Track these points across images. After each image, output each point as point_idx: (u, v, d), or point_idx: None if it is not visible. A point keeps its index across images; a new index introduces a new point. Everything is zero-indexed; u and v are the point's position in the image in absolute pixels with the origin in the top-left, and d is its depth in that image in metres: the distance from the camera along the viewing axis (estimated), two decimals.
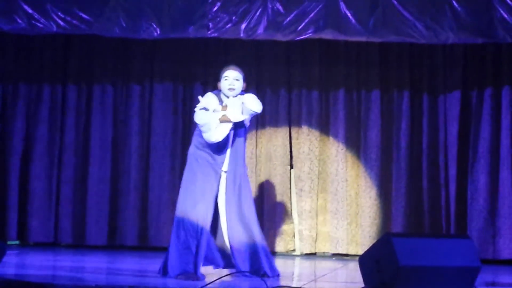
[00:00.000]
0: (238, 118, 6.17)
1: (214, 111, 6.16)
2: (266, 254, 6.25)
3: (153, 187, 9.21)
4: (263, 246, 6.24)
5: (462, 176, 8.84)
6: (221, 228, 6.27)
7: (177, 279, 5.97)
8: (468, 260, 5.25)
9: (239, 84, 6.31)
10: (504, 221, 8.69)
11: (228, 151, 6.25)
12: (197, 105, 6.22)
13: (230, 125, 6.15)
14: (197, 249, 6.05)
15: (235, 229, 6.19)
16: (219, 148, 6.21)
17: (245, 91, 6.42)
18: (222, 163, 6.23)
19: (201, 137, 6.23)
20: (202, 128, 6.17)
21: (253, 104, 6.25)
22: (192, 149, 6.30)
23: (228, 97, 6.29)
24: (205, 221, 6.11)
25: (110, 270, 7.15)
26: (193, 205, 6.10)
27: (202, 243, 6.06)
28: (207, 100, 6.21)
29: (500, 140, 8.80)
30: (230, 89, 6.27)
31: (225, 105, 6.21)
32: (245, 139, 6.40)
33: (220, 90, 6.35)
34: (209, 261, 6.32)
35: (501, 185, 8.74)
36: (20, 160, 9.28)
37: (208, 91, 8.97)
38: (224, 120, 6.12)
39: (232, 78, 6.29)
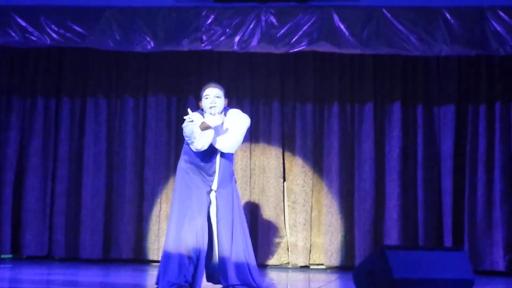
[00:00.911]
0: (215, 122, 6.09)
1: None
2: (253, 268, 6.22)
3: (148, 199, 9.19)
4: (250, 261, 6.21)
5: (458, 188, 8.83)
6: (215, 244, 6.25)
7: None
8: (462, 272, 5.25)
9: (221, 102, 6.25)
10: (500, 232, 8.68)
11: (217, 170, 6.22)
12: (186, 119, 6.20)
13: (212, 131, 6.09)
14: (197, 262, 6.03)
15: (225, 244, 6.15)
16: (208, 167, 6.19)
17: (228, 106, 6.40)
18: (212, 181, 6.21)
19: (189, 154, 6.22)
20: (188, 140, 6.16)
21: (237, 117, 6.24)
22: (182, 163, 6.28)
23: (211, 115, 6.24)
24: (203, 236, 6.09)
25: (105, 284, 7.12)
26: (190, 218, 6.08)
27: (202, 257, 6.05)
28: (194, 114, 6.17)
29: (494, 152, 8.80)
30: (211, 107, 6.21)
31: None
32: (232, 160, 6.36)
33: (202, 109, 6.30)
34: (209, 277, 6.30)
35: (496, 197, 8.73)
36: (14, 172, 9.26)
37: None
38: (204, 127, 6.08)
39: (212, 96, 6.23)
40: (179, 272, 6.00)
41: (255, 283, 6.16)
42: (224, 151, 6.21)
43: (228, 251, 6.13)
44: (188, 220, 6.09)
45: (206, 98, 6.23)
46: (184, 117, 6.24)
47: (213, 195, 6.21)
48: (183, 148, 6.34)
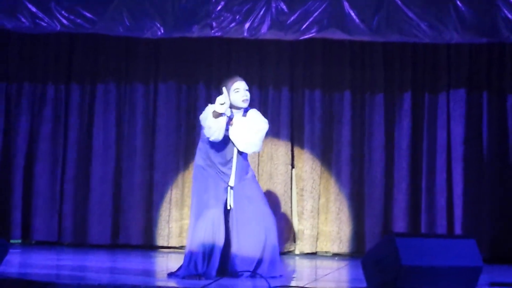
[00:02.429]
0: (223, 108, 5.94)
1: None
2: (270, 260, 6.17)
3: (157, 185, 9.22)
4: (268, 253, 6.15)
5: (467, 177, 8.83)
6: (232, 238, 6.18)
7: (183, 279, 5.96)
8: (471, 260, 5.24)
9: (248, 96, 6.24)
10: (507, 222, 8.68)
11: (233, 167, 6.19)
12: (208, 110, 6.13)
13: (224, 118, 6.03)
14: (210, 253, 6.01)
15: (240, 239, 6.10)
16: (224, 162, 6.17)
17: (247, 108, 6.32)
18: (229, 177, 6.18)
19: (205, 151, 6.19)
20: (207, 133, 6.10)
21: (257, 121, 6.21)
22: (199, 161, 6.24)
23: (240, 109, 6.21)
24: (219, 228, 6.07)
25: (113, 269, 7.15)
26: (207, 209, 6.06)
27: (216, 248, 6.02)
28: (218, 104, 6.03)
29: (507, 141, 8.78)
30: (244, 100, 6.18)
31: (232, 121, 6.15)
32: (246, 156, 6.32)
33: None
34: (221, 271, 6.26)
35: (508, 187, 8.73)
36: (24, 158, 9.30)
37: (211, 90, 9.09)
38: (216, 115, 5.99)
39: (243, 89, 6.19)
40: (197, 260, 5.99)
41: (267, 272, 6.10)
42: (245, 151, 6.20)
43: (241, 246, 6.08)
44: (205, 211, 6.07)
45: (237, 91, 6.16)
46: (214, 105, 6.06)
47: (230, 191, 6.18)
48: (198, 145, 6.30)
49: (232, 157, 6.20)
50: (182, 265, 6.11)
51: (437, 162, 8.91)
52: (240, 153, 6.22)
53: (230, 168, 6.19)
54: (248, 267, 6.08)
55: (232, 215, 6.16)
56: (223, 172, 6.18)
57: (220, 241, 6.06)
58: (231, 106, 6.19)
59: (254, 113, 6.31)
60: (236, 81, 6.21)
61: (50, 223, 9.24)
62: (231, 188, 6.17)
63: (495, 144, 8.82)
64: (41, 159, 9.30)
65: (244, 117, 6.24)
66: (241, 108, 6.23)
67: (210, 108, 6.16)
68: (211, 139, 6.10)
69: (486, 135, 8.84)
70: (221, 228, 6.09)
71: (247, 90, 6.22)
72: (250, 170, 6.36)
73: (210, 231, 6.05)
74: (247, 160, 6.32)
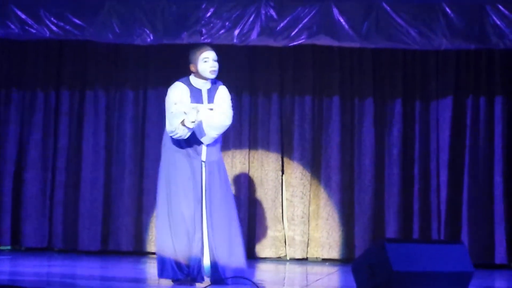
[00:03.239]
0: (192, 125, 5.89)
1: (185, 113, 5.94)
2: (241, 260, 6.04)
3: (147, 191, 9.19)
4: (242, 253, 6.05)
5: (455, 182, 8.86)
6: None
7: (174, 283, 5.94)
8: (462, 265, 5.26)
9: (218, 66, 6.09)
10: (497, 226, 8.71)
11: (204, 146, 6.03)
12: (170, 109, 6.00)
13: (187, 131, 5.93)
14: (194, 263, 5.91)
15: (217, 234, 5.97)
16: (195, 139, 6.00)
17: (215, 80, 6.20)
18: (201, 152, 6.01)
19: (172, 140, 6.06)
20: (167, 126, 5.98)
21: (214, 120, 6.01)
22: (167, 143, 6.08)
23: (207, 79, 6.07)
24: (194, 222, 5.92)
25: (104, 276, 7.14)
26: (180, 219, 5.92)
27: (196, 247, 5.91)
28: (188, 121, 5.94)
29: (494, 147, 8.81)
30: (212, 71, 6.04)
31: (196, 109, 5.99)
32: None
33: (189, 76, 6.12)
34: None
35: (495, 191, 8.75)
36: (13, 165, 9.27)
37: None
38: (183, 124, 5.91)
39: (212, 59, 6.06)
40: (178, 269, 5.95)
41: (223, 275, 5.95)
42: (203, 142, 6.02)
43: (219, 252, 5.96)
44: (178, 221, 5.93)
45: (205, 61, 6.04)
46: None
47: (202, 165, 6.01)
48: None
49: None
50: (165, 263, 5.96)
51: (428, 167, 8.93)
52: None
53: (201, 144, 6.01)
54: (228, 273, 5.95)
55: (207, 218, 5.96)
56: (195, 149, 6.00)
57: (199, 250, 5.91)
58: (199, 76, 6.07)
59: (221, 99, 6.10)
60: (205, 50, 6.09)
61: (40, 229, 9.21)
62: (203, 162, 5.99)
63: (483, 149, 8.84)
64: (31, 165, 9.27)
65: (210, 108, 6.05)
66: (209, 79, 6.10)
67: (176, 90, 6.01)
68: (174, 137, 5.98)
69: (468, 142, 8.87)
70: (198, 235, 5.92)
71: (215, 60, 6.07)
72: (220, 144, 6.20)
73: (187, 246, 5.90)
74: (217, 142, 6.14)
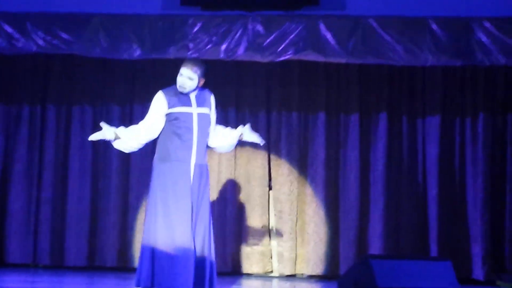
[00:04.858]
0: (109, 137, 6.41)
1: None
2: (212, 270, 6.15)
3: (133, 207, 9.17)
4: (211, 262, 6.15)
5: (443, 197, 8.87)
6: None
7: None
8: (446, 282, 5.26)
9: (192, 84, 6.22)
10: (481, 241, 8.73)
11: (195, 143, 6.20)
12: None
13: (118, 142, 6.43)
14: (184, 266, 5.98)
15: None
16: (185, 142, 6.19)
17: (203, 87, 6.39)
18: (190, 157, 6.17)
19: (162, 151, 6.26)
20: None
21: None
22: (157, 154, 6.34)
23: (194, 90, 6.27)
24: (187, 244, 6.03)
25: None
26: (172, 232, 6.05)
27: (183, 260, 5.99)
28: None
29: (477, 162, 8.83)
30: (179, 86, 6.24)
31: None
32: (208, 132, 6.36)
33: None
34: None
35: (478, 206, 8.78)
36: None
37: None
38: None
39: (185, 75, 6.23)
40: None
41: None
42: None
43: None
44: (173, 227, 6.04)
45: (180, 75, 6.26)
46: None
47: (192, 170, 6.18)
48: (157, 145, 6.39)
49: (192, 135, 6.20)
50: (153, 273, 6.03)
51: (416, 183, 8.94)
52: (200, 126, 6.22)
53: (191, 147, 6.18)
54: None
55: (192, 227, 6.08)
56: (184, 155, 6.15)
57: (191, 254, 6.00)
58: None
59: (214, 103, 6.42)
60: (184, 65, 6.28)
61: (25, 245, 9.16)
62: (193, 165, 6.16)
63: (469, 165, 8.87)
64: (16, 180, 9.22)
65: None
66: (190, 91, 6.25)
67: (154, 101, 6.37)
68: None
69: (458, 157, 8.90)
70: (190, 242, 6.02)
71: (190, 78, 6.20)
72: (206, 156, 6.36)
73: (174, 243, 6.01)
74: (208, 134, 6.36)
